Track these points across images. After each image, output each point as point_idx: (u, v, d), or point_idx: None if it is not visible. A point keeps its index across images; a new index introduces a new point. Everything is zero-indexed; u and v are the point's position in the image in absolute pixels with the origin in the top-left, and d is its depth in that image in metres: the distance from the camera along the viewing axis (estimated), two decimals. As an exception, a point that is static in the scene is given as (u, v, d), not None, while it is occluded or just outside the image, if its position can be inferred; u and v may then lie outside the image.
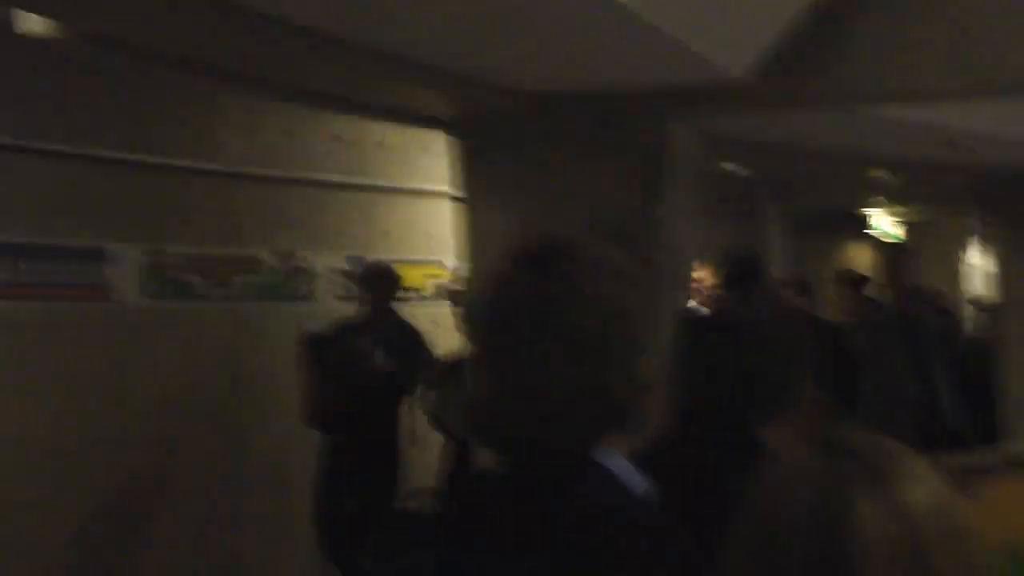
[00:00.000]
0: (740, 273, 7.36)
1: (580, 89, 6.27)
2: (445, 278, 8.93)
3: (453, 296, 7.90)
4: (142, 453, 7.10)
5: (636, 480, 1.95)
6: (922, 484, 1.43)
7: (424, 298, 8.91)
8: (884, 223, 14.98)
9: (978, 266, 14.19)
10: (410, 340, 7.27)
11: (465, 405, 2.01)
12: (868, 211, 14.26)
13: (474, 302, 2.00)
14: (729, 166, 9.75)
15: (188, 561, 7.33)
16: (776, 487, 1.44)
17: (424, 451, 7.30)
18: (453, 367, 6.81)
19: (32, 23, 5.03)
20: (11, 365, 6.50)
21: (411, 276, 8.92)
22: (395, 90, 6.27)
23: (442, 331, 7.97)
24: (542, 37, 5.30)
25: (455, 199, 7.35)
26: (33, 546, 6.52)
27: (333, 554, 6.97)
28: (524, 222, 6.43)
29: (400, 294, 7.44)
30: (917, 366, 8.16)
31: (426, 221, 8.97)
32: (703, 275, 8.10)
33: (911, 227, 15.64)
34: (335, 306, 8.20)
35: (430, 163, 8.65)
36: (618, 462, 1.96)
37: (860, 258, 15.83)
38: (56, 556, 6.64)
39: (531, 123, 6.49)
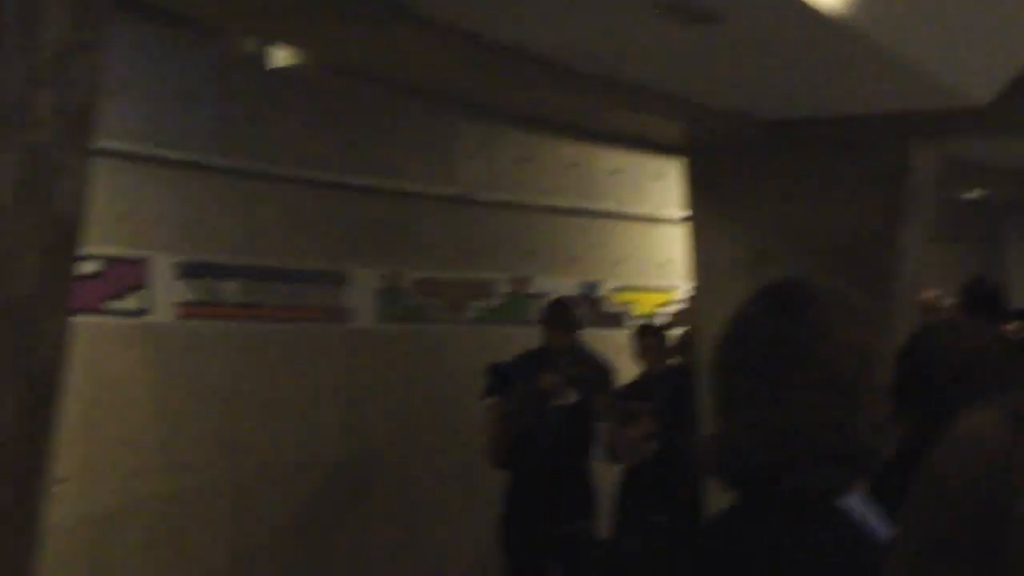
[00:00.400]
0: (979, 300, 7.16)
1: (819, 115, 6.20)
2: (678, 305, 8.89)
3: (672, 320, 7.85)
4: (372, 469, 7.27)
5: (880, 527, 1.92)
6: None
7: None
8: None
9: None
10: (599, 374, 7.21)
11: (704, 443, 2.01)
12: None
13: (718, 342, 1.99)
14: (970, 191, 9.48)
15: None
16: (953, 448, 1.42)
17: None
18: (626, 394, 6.84)
19: (282, 56, 5.22)
20: (256, 382, 6.74)
21: (644, 303, 8.92)
22: (630, 117, 6.29)
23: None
24: (785, 67, 5.27)
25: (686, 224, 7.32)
26: (269, 547, 6.74)
27: None
28: (759, 249, 6.38)
29: (581, 327, 7.36)
30: None
31: (660, 248, 8.95)
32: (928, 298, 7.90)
33: None
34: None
35: (664, 190, 8.62)
36: (862, 508, 1.93)
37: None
38: (293, 558, 6.84)
39: (766, 149, 6.43)
